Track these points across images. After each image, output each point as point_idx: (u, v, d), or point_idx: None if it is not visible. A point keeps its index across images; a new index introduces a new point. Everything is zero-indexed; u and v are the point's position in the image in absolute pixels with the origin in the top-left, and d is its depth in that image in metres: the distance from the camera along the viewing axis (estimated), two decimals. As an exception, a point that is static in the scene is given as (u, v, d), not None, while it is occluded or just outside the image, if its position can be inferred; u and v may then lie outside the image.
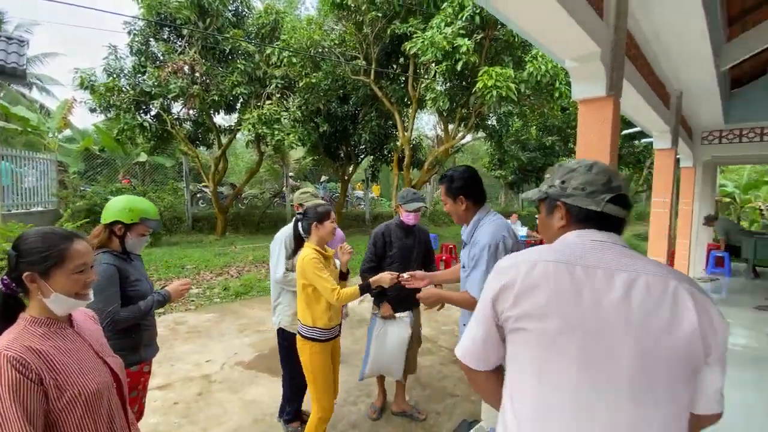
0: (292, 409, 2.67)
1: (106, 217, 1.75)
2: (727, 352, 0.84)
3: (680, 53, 2.73)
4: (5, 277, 1.04)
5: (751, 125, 4.92)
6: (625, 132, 8.74)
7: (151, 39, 8.93)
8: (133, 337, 1.76)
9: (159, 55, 8.91)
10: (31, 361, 0.94)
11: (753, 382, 3.18)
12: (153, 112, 9.03)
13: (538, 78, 6.43)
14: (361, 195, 15.58)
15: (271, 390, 3.16)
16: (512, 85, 6.27)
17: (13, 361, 0.91)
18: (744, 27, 3.30)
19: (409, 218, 2.62)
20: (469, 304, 1.68)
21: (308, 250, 2.12)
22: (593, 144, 1.81)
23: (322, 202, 2.69)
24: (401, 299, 2.59)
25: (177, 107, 9.27)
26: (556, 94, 6.85)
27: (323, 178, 15.59)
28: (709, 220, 8.30)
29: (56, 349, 1.02)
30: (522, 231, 8.28)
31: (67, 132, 11.79)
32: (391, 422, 2.75)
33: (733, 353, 3.82)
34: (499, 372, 0.96)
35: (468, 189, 1.76)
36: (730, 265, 7.78)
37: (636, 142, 11.07)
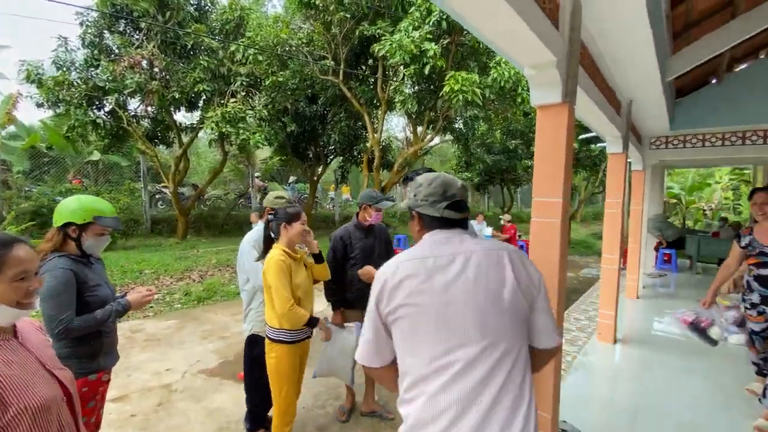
0: (255, 417, 2.61)
1: (58, 219, 1.66)
2: (548, 295, 1.14)
3: (630, 65, 2.91)
4: None
5: (694, 132, 5.31)
6: (582, 137, 9.20)
7: (106, 31, 8.42)
8: (91, 344, 1.68)
9: (114, 48, 8.42)
10: None
11: (700, 371, 3.44)
12: (107, 108, 8.51)
13: (502, 84, 6.64)
14: (344, 197, 15.42)
15: (236, 397, 3.07)
16: (477, 90, 6.44)
17: None
18: (687, 41, 3.58)
19: (376, 217, 2.64)
20: None
21: (276, 251, 2.10)
22: (550, 148, 1.90)
23: (299, 209, 2.67)
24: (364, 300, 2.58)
25: (134, 104, 8.81)
26: (519, 100, 7.11)
27: (291, 178, 15.32)
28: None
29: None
30: (487, 231, 8.52)
31: (11, 128, 10.90)
32: (360, 424, 2.75)
33: (682, 344, 4.13)
34: (395, 364, 1.13)
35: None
36: (676, 261, 8.39)
37: (592, 146, 11.68)
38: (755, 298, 2.70)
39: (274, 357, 2.13)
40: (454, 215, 1.16)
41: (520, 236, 9.30)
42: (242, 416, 2.78)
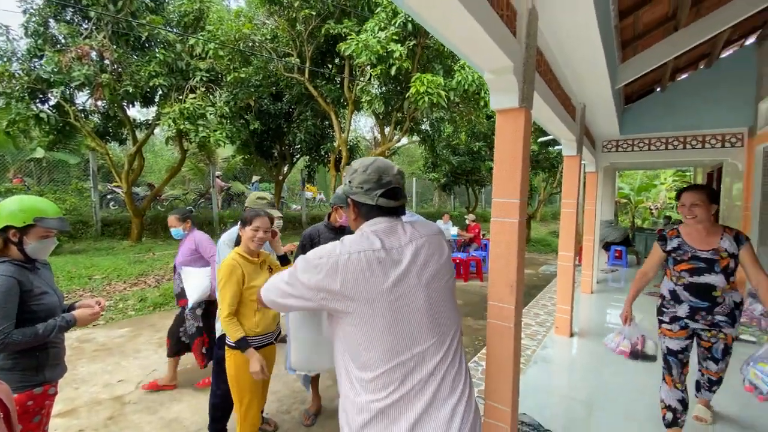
0: (219, 423, 2.52)
1: None
2: None
3: (582, 72, 3.07)
4: None
5: (641, 136, 5.68)
6: (541, 140, 9.59)
7: (51, 20, 7.82)
8: (36, 356, 1.59)
9: (60, 38, 7.83)
10: None
11: (643, 366, 3.65)
12: (52, 102, 7.91)
13: (466, 87, 6.80)
14: (310, 196, 15.08)
15: (195, 406, 2.96)
16: (442, 93, 6.56)
17: None
18: (635, 51, 3.82)
19: (344, 219, 2.62)
20: None
21: (232, 254, 2.05)
22: (508, 151, 1.96)
23: (279, 214, 2.59)
24: None
25: (82, 97, 8.24)
26: (482, 103, 7.30)
27: (255, 178, 14.93)
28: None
29: None
30: (453, 230, 8.69)
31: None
32: (326, 427, 2.72)
33: (628, 335, 4.36)
34: None
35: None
36: (626, 257, 8.94)
37: (551, 148, 12.20)
38: (682, 310, 2.28)
39: (232, 365, 2.05)
40: (389, 203, 1.13)
41: (484, 235, 9.55)
42: (201, 425, 2.68)
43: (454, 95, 7.07)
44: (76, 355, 3.81)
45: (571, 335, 4.21)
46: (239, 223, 2.12)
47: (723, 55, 5.11)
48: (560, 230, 4.19)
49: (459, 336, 1.17)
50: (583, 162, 6.05)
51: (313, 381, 2.86)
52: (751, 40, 5.02)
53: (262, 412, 2.52)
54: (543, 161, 12.59)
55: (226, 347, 2.09)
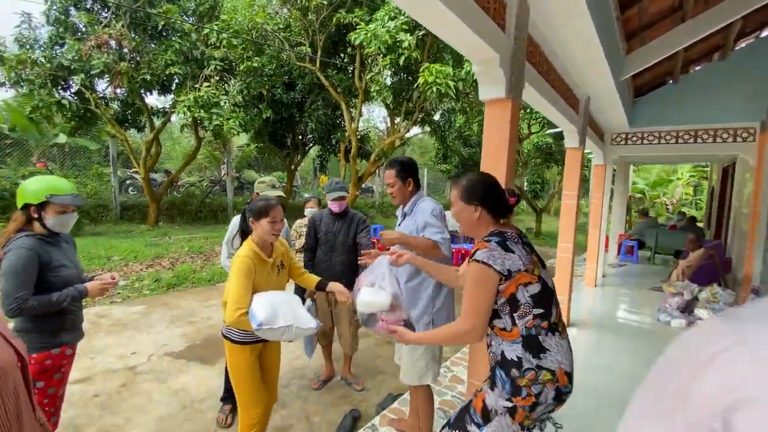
0: (229, 390, 2.68)
1: (19, 200, 1.71)
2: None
3: (582, 64, 3.07)
4: None
5: (651, 129, 5.60)
6: (550, 131, 9.47)
7: (72, 8, 8.08)
8: (55, 321, 1.73)
9: (80, 26, 8.09)
10: None
11: (641, 352, 3.71)
12: (73, 89, 8.22)
13: (475, 77, 6.76)
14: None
15: (200, 378, 3.15)
16: (451, 83, 6.54)
17: None
18: (643, 41, 3.78)
19: (334, 206, 2.80)
20: (430, 247, 1.90)
21: (245, 250, 1.87)
22: (495, 140, 2.03)
23: (280, 194, 2.70)
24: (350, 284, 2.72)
25: (102, 85, 8.52)
26: (492, 93, 7.25)
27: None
28: (642, 214, 9.46)
29: None
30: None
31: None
32: (332, 393, 2.92)
33: (627, 327, 4.42)
34: None
35: (414, 174, 2.09)
36: (638, 253, 8.84)
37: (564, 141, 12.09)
38: None
39: (227, 355, 1.93)
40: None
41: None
42: (206, 395, 2.88)
43: (464, 85, 7.05)
44: (93, 329, 4.06)
45: (568, 325, 4.26)
46: (250, 215, 1.90)
47: (737, 48, 4.97)
48: (560, 222, 4.22)
49: None
50: (591, 155, 6.01)
51: (326, 350, 3.14)
52: (765, 33, 4.88)
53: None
54: (556, 154, 12.45)
55: (226, 341, 1.94)
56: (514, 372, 1.31)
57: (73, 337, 1.83)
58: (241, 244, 1.95)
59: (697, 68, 5.44)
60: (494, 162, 2.03)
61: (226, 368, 2.64)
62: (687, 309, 4.57)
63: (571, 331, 4.17)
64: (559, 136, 11.03)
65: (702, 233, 8.84)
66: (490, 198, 1.40)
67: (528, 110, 10.09)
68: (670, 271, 6.22)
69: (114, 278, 1.89)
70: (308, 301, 2.66)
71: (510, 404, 1.31)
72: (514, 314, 1.31)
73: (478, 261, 1.28)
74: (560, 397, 1.32)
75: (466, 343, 1.91)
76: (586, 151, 5.10)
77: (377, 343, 3.98)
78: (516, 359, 1.32)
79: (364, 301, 1.67)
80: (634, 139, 5.81)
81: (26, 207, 1.70)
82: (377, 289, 1.68)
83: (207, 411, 2.72)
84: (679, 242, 7.82)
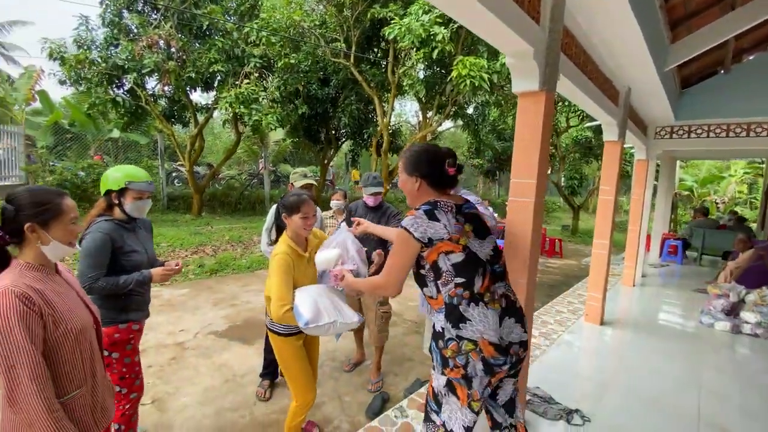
0: (267, 367, 2.89)
1: (102, 187, 1.88)
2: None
3: (622, 55, 2.99)
4: None
5: (699, 122, 5.31)
6: (589, 124, 9.13)
7: (125, 10, 8.66)
8: (121, 300, 1.87)
9: (133, 27, 8.65)
10: (33, 296, 1.09)
11: (679, 353, 3.60)
12: (126, 87, 8.81)
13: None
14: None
15: (241, 355, 3.39)
16: (485, 75, 6.47)
17: (20, 296, 1.06)
18: (689, 29, 3.61)
19: (369, 200, 2.87)
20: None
21: (282, 246, 1.91)
22: (528, 133, 2.05)
23: (311, 182, 2.84)
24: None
25: (152, 83, 9.07)
26: (528, 86, 7.09)
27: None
28: (700, 213, 9.00)
29: (50, 290, 1.17)
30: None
31: (35, 104, 11.34)
32: (361, 375, 3.08)
33: (665, 328, 4.28)
34: None
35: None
36: (683, 253, 8.39)
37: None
38: None
39: (273, 346, 2.04)
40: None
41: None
42: (246, 371, 3.09)
43: (498, 78, 6.94)
44: (146, 307, 4.43)
45: (602, 323, 4.18)
46: (283, 211, 1.95)
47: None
48: (596, 218, 4.12)
49: None
50: (632, 149, 5.78)
51: (357, 336, 3.28)
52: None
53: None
54: (596, 148, 11.98)
55: (273, 334, 2.02)
56: (440, 343, 1.37)
57: (139, 316, 1.98)
58: (277, 238, 2.02)
59: (751, 57, 5.08)
60: (526, 156, 2.05)
61: (264, 347, 2.86)
62: (732, 312, 4.35)
63: (605, 330, 4.09)
64: (599, 130, 10.60)
65: (752, 233, 8.27)
66: (431, 170, 1.46)
67: (566, 103, 9.77)
68: (717, 273, 5.90)
69: (178, 265, 2.01)
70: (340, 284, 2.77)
71: (444, 378, 1.35)
72: (438, 281, 1.36)
73: (401, 227, 1.37)
74: (491, 369, 1.31)
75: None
76: (627, 145, 4.93)
77: (405, 333, 4.09)
78: (440, 330, 1.37)
79: (318, 260, 1.94)
80: (680, 132, 5.54)
81: (108, 193, 1.87)
82: (329, 249, 1.95)
83: (247, 385, 2.93)
84: (728, 242, 7.37)
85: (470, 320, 1.31)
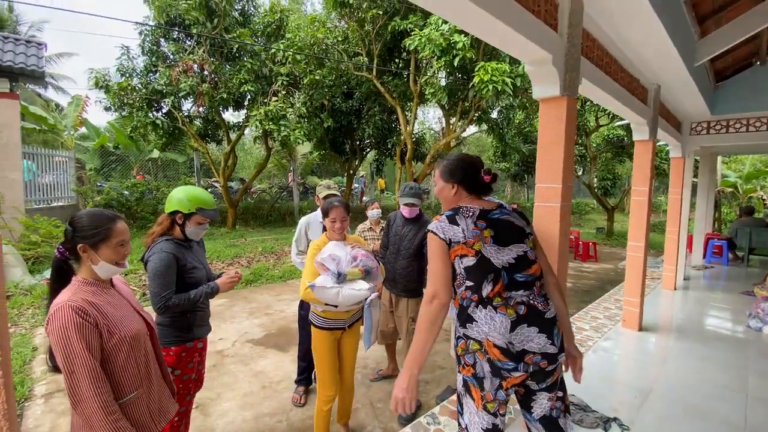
0: (302, 374, 3.00)
1: (168, 207, 1.90)
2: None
3: (647, 54, 2.94)
4: (60, 246, 1.34)
5: (737, 116, 5.07)
6: (618, 123, 8.84)
7: (162, 39, 9.26)
8: (187, 317, 1.93)
9: (169, 54, 9.24)
10: (88, 309, 1.23)
11: (724, 360, 3.43)
12: (164, 110, 9.39)
13: (534, 72, 6.59)
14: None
15: (277, 362, 3.51)
16: (508, 80, 6.46)
17: (77, 309, 1.20)
18: (718, 23, 3.49)
19: (404, 211, 2.84)
20: None
21: (320, 238, 2.23)
22: (551, 138, 2.07)
23: (334, 192, 2.91)
24: (408, 290, 2.86)
25: (187, 105, 9.62)
26: (552, 88, 7.00)
27: (361, 172, 15.85)
28: (746, 213, 8.53)
29: (105, 303, 1.31)
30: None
31: (82, 130, 12.26)
32: (385, 387, 3.09)
33: (710, 333, 4.08)
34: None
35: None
36: (727, 254, 7.93)
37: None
38: None
39: (313, 339, 2.24)
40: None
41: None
42: (282, 378, 3.21)
43: (522, 81, 6.90)
44: (187, 317, 4.67)
45: (640, 329, 4.03)
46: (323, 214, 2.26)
47: None
48: (630, 220, 4.01)
49: None
50: (666, 147, 5.57)
51: (389, 348, 3.23)
52: None
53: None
54: (629, 147, 11.56)
55: (313, 327, 2.25)
56: (453, 342, 1.47)
57: (203, 332, 2.02)
58: (308, 244, 2.25)
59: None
60: (550, 161, 2.07)
61: (299, 355, 2.97)
62: (787, 314, 4.08)
63: (644, 336, 3.94)
64: (630, 128, 10.30)
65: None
66: (466, 175, 1.51)
67: (594, 101, 9.54)
68: (765, 274, 5.55)
69: (238, 274, 2.06)
70: (373, 295, 2.83)
71: (461, 377, 1.42)
72: (454, 283, 1.41)
73: (429, 230, 1.42)
74: (498, 371, 1.31)
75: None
76: (662, 143, 4.76)
77: (436, 341, 4.09)
78: (455, 329, 1.46)
79: (345, 300, 2.03)
80: (718, 127, 5.29)
81: (173, 213, 1.91)
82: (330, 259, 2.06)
83: (283, 391, 3.04)
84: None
85: (476, 321, 1.36)
